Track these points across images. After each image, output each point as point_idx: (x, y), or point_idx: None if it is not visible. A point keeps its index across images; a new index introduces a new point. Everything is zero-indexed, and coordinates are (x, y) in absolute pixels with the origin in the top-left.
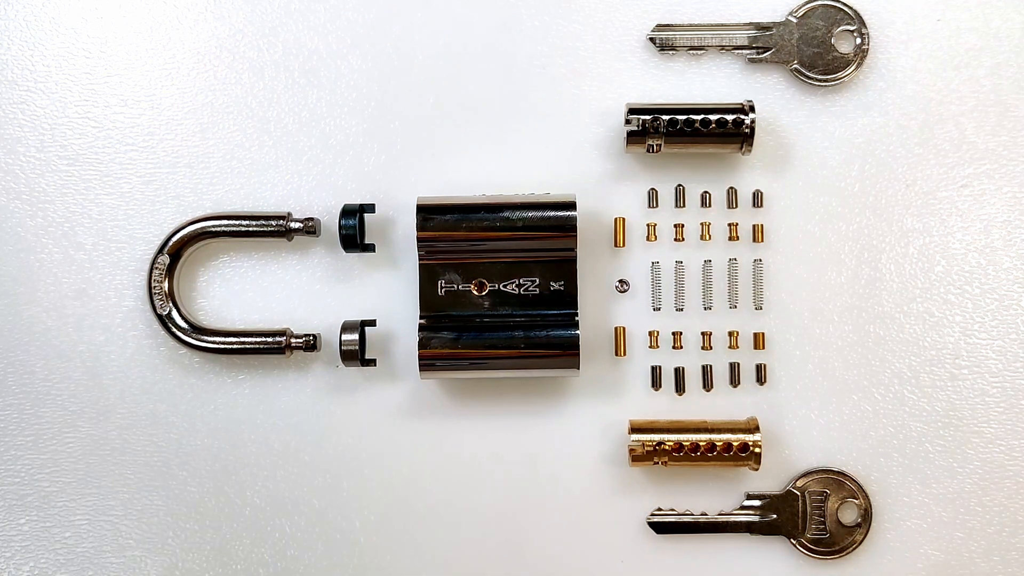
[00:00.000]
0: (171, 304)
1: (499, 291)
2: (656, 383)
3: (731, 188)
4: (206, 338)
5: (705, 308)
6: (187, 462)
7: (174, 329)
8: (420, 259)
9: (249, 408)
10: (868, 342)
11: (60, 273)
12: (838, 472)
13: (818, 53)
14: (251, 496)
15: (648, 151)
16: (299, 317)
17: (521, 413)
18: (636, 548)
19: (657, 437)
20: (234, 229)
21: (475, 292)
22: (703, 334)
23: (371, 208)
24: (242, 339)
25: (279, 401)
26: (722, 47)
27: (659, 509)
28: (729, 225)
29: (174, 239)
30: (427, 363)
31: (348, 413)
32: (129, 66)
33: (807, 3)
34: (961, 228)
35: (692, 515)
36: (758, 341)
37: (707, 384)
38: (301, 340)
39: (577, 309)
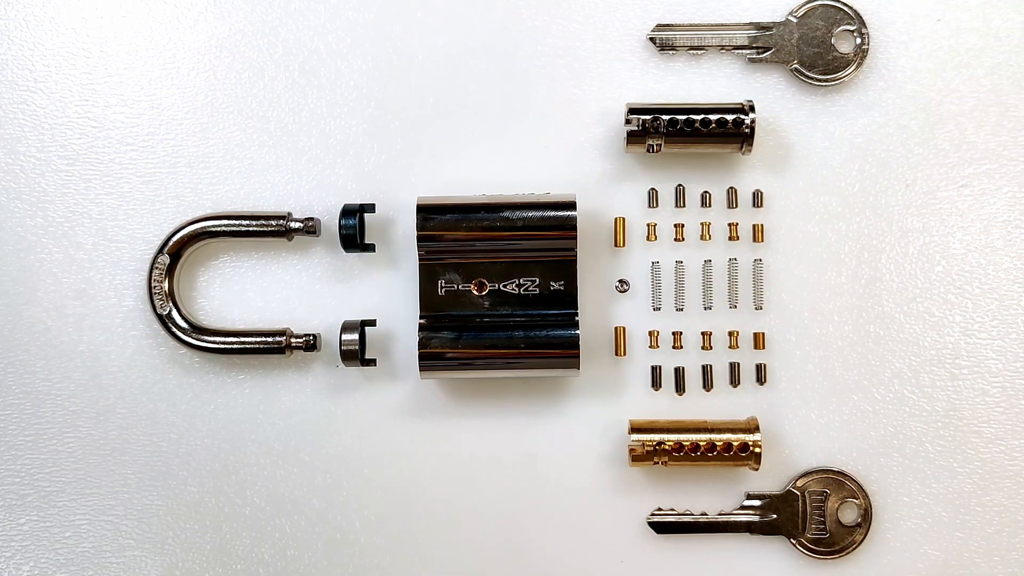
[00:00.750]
0: (171, 304)
1: (499, 291)
2: (656, 383)
3: (731, 188)
4: (206, 338)
5: (705, 308)
6: (187, 462)
7: (174, 329)
8: (420, 259)
9: (249, 408)
10: (868, 342)
11: (60, 273)
12: (838, 472)
13: (818, 53)
14: (251, 496)
15: (648, 151)
16: (299, 317)
17: (521, 413)
18: (636, 548)
19: (657, 437)
20: (234, 229)
21: (475, 292)
22: (703, 334)
23: (371, 208)
24: (242, 339)
25: (279, 401)
26: (722, 47)
27: (659, 509)
28: (729, 225)
29: (174, 239)
30: (427, 363)
31: (348, 413)
32: (129, 66)
33: (807, 3)
34: (961, 228)
35: (692, 515)
36: (758, 341)
37: (707, 384)
38: (301, 340)
39: (577, 309)
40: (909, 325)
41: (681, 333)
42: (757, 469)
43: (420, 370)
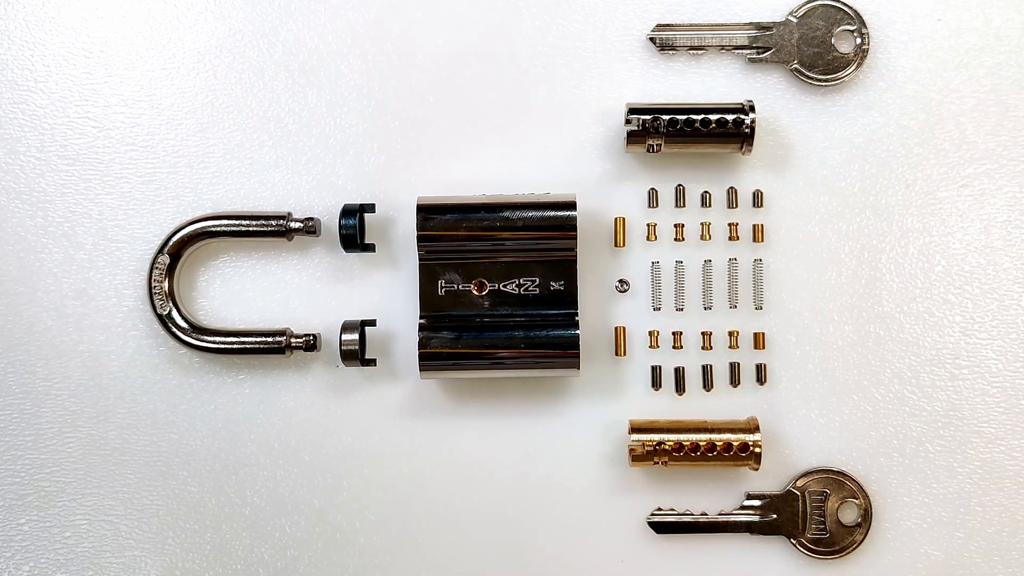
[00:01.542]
0: (171, 304)
1: (499, 291)
2: (656, 383)
3: (731, 188)
4: (206, 338)
5: (705, 308)
6: (187, 462)
7: (174, 329)
8: (420, 259)
9: (249, 408)
10: (868, 342)
11: (60, 273)
12: (838, 472)
13: (818, 53)
14: (251, 496)
15: (648, 151)
16: (299, 317)
17: (521, 413)
18: (636, 548)
19: (657, 437)
20: (234, 229)
21: (475, 292)
22: (703, 334)
23: (371, 208)
24: (242, 339)
25: (279, 401)
26: (722, 47)
27: (659, 509)
28: (729, 225)
29: (174, 239)
30: (427, 363)
31: (348, 413)
32: (129, 66)
33: (807, 3)
34: (961, 228)
35: (692, 515)
36: (758, 341)
37: (707, 384)
38: (301, 340)
39: (577, 309)
40: (909, 325)
41: (681, 333)
42: (757, 469)
43: (420, 370)
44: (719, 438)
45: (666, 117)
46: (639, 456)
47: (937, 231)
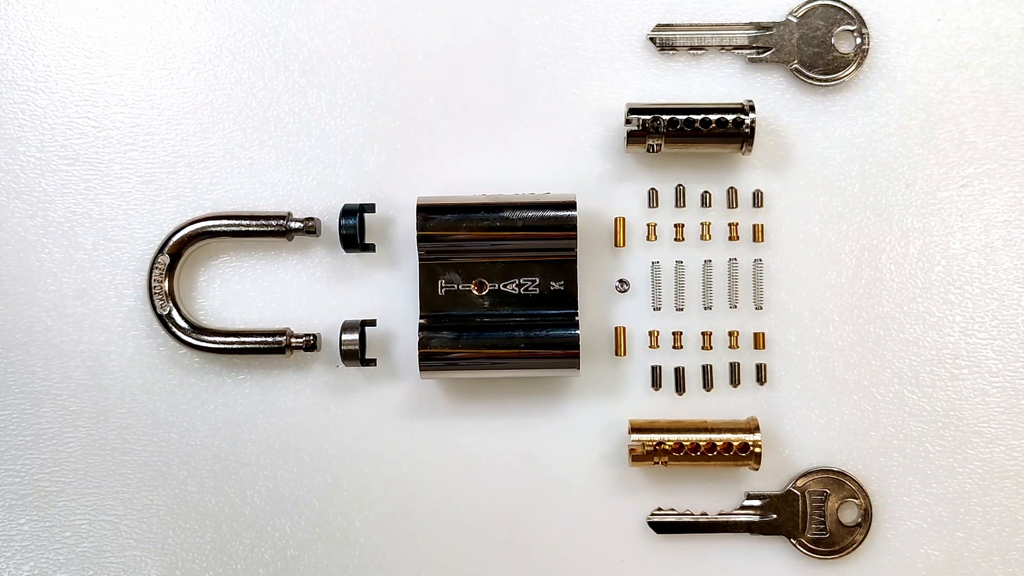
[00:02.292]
0: (171, 304)
1: (499, 291)
2: (656, 383)
3: (731, 188)
4: (206, 338)
5: (705, 308)
6: (187, 462)
7: (174, 329)
8: (420, 259)
9: (249, 408)
10: (868, 342)
11: (60, 273)
12: (838, 472)
13: (818, 53)
14: (251, 496)
15: (648, 151)
16: (299, 317)
17: (521, 413)
18: (636, 548)
19: (657, 437)
20: (234, 229)
21: (475, 292)
22: (703, 334)
23: (371, 208)
24: (242, 339)
25: (279, 401)
26: (722, 47)
27: (659, 509)
28: (729, 225)
29: (174, 239)
30: (427, 363)
31: (348, 413)
32: (129, 66)
33: (807, 3)
34: (961, 228)
35: (692, 515)
36: (758, 341)
37: (707, 384)
38: (301, 340)
39: (577, 309)
40: (909, 325)
41: (681, 333)
42: (757, 469)
43: (420, 370)
44: (719, 438)
45: (666, 117)
46: (639, 456)
47: (937, 231)
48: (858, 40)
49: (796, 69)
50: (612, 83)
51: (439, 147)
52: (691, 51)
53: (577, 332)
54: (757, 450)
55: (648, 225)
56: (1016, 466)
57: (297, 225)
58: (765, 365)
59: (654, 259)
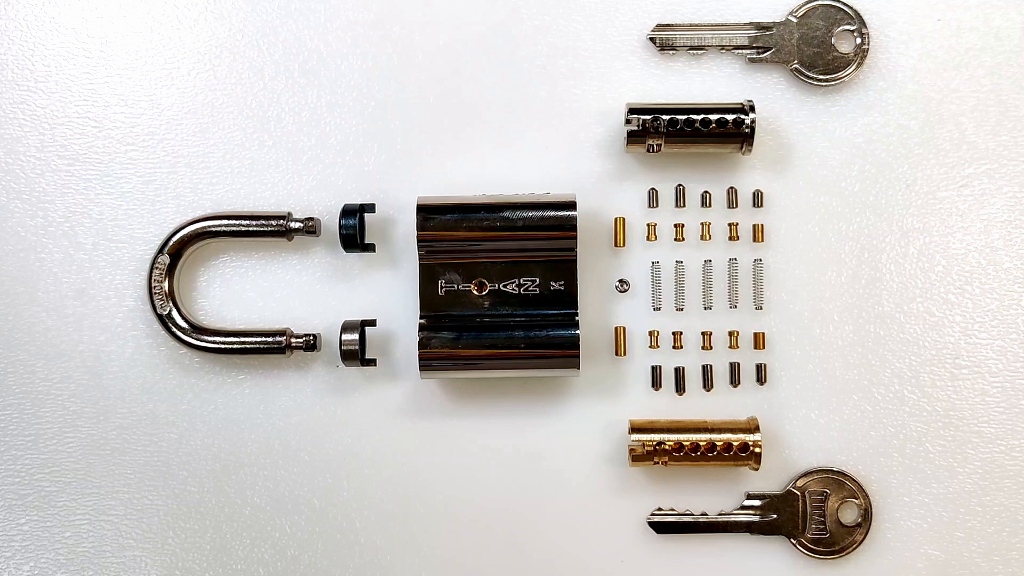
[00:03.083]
0: (171, 304)
1: (499, 291)
2: (656, 383)
3: (731, 188)
4: (206, 338)
5: (705, 308)
6: (187, 462)
7: (174, 329)
8: (420, 259)
9: (249, 408)
10: (868, 342)
11: (60, 273)
12: (838, 472)
13: (818, 53)
14: (251, 496)
15: (648, 151)
16: (299, 317)
17: (521, 413)
18: (636, 548)
19: (657, 437)
20: (234, 229)
21: (475, 292)
22: (703, 334)
23: (371, 208)
24: (242, 339)
25: (279, 401)
26: (722, 47)
27: (659, 509)
28: (729, 225)
29: (174, 239)
30: (427, 363)
31: (348, 413)
32: (129, 66)
33: (807, 3)
34: (961, 228)
35: (692, 515)
36: (758, 341)
37: (707, 384)
38: (301, 340)
39: (577, 309)
40: (909, 325)
41: (681, 333)
42: (757, 469)
43: (420, 370)
44: (719, 438)
45: (666, 117)
46: (639, 456)
47: (937, 231)
48: (858, 40)
49: (796, 69)
50: (612, 83)
51: (439, 147)
52: (691, 51)
53: (577, 332)
54: (757, 450)
55: (648, 225)
56: (1016, 466)
57: (297, 225)
58: (765, 365)
59: (654, 259)
